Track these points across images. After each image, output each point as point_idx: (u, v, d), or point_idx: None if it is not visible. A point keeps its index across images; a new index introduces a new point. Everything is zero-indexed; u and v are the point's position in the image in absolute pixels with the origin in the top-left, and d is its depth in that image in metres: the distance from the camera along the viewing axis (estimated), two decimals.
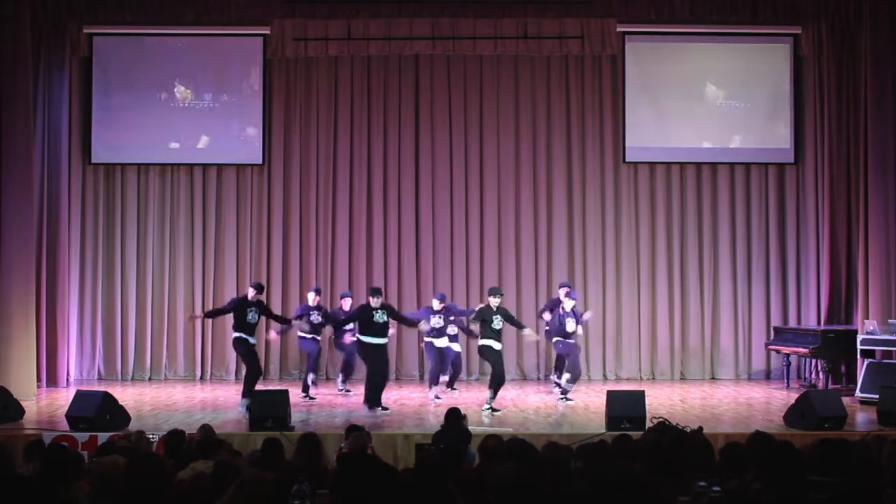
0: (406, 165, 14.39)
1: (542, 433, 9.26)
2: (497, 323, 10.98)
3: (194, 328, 14.17)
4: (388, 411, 10.78)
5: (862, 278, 12.98)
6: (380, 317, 10.92)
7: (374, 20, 13.84)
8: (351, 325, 11.61)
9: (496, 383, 10.95)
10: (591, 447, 5.81)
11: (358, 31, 13.87)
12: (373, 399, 10.78)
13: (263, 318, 11.46)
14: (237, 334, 11.06)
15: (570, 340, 11.72)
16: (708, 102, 14.35)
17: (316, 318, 12.12)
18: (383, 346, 11.07)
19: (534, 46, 14.05)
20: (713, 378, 14.23)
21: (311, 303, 12.24)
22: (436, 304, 12.03)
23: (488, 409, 10.76)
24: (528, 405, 11.51)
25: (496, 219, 14.46)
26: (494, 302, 11.05)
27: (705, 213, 14.48)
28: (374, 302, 10.97)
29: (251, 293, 11.16)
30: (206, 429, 7.33)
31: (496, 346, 11.02)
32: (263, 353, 14.17)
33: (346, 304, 12.21)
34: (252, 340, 11.08)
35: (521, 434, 8.46)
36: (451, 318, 12.13)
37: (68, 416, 9.54)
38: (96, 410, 9.39)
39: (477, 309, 11.53)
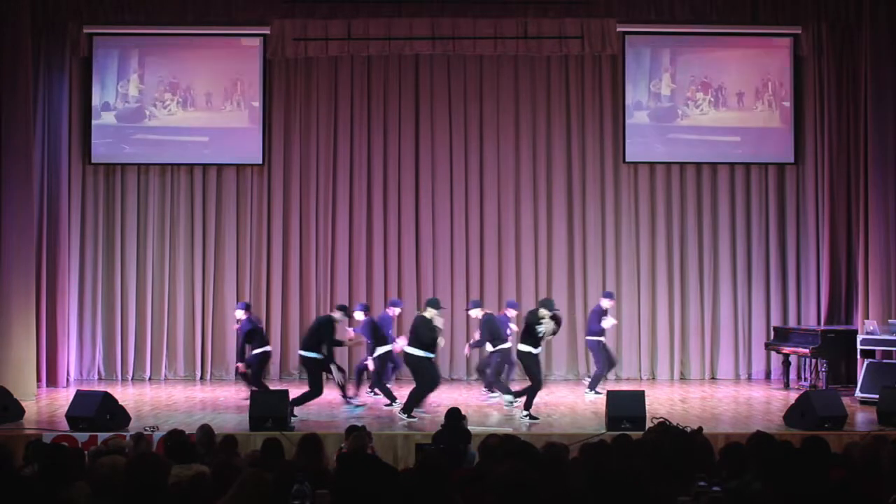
0: (406, 165, 14.39)
1: (542, 433, 9.26)
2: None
3: (194, 328, 14.17)
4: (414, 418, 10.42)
5: (862, 278, 12.98)
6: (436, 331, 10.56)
7: (374, 20, 13.84)
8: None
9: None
10: (592, 447, 5.81)
11: (358, 31, 13.87)
12: (409, 408, 10.33)
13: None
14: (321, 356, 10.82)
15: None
16: (708, 102, 14.34)
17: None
18: (433, 359, 10.65)
19: (534, 46, 14.04)
20: (713, 378, 14.23)
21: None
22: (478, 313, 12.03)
23: (526, 414, 10.37)
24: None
25: (496, 218, 14.46)
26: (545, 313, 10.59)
27: (705, 213, 14.48)
28: (431, 314, 10.56)
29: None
30: (205, 429, 7.32)
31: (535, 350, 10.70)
32: None
33: (394, 312, 12.01)
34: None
35: (521, 434, 8.46)
36: None
37: (68, 416, 9.54)
38: (96, 410, 9.39)
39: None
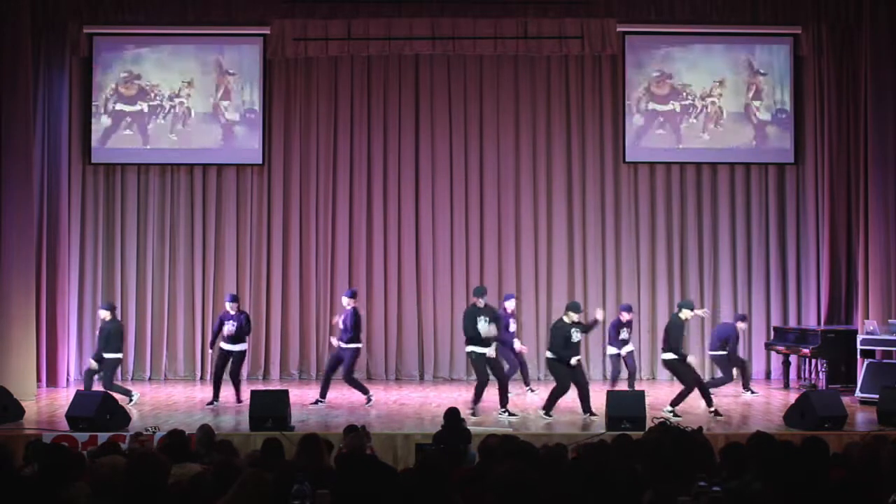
0: (406, 165, 14.40)
1: (542, 433, 9.27)
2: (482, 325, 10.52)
3: (194, 328, 14.17)
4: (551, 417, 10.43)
5: (862, 278, 12.98)
6: (576, 336, 10.50)
7: (374, 20, 13.84)
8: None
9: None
10: (591, 447, 5.81)
11: (358, 31, 13.87)
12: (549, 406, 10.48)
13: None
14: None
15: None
16: (707, 102, 14.34)
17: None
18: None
19: (534, 46, 14.05)
20: (713, 378, 14.19)
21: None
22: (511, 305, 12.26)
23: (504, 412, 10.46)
24: (528, 405, 11.49)
25: (496, 218, 14.46)
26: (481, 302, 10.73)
27: (705, 213, 14.48)
28: (569, 318, 10.57)
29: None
30: (205, 429, 7.31)
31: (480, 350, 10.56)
32: (263, 352, 14.17)
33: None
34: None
35: (521, 434, 8.46)
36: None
37: (68, 416, 9.55)
38: (96, 410, 9.39)
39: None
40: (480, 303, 10.66)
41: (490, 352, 10.48)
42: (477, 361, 10.56)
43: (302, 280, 14.28)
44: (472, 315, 10.58)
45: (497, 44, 14.00)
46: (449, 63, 14.44)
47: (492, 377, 10.60)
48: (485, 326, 10.44)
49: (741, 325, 12.59)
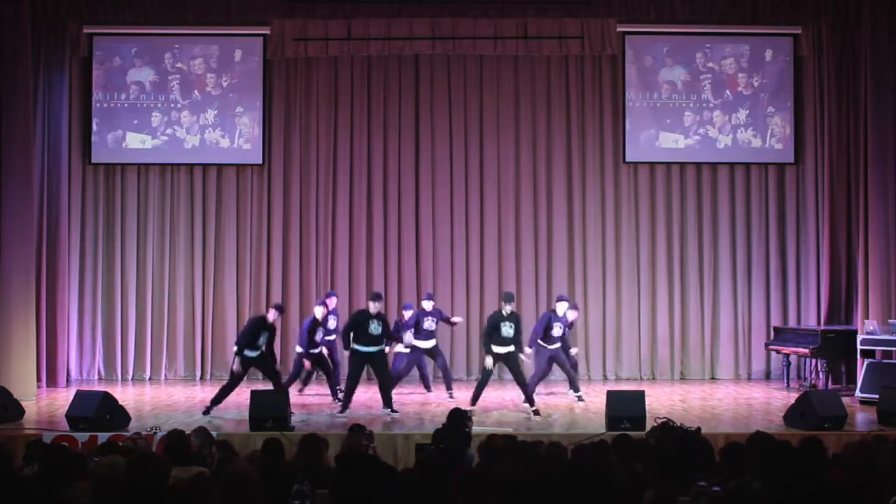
0: (406, 165, 14.40)
1: (542, 433, 9.27)
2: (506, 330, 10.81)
3: (194, 328, 14.17)
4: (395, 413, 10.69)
5: (862, 278, 12.97)
6: (374, 328, 10.63)
7: (374, 20, 13.84)
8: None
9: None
10: (591, 447, 5.81)
11: (358, 31, 13.87)
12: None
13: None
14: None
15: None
16: (707, 102, 14.35)
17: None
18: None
19: (534, 46, 14.05)
20: (713, 378, 14.23)
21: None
22: (428, 305, 12.19)
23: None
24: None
25: (496, 219, 14.46)
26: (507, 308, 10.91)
27: (705, 213, 14.48)
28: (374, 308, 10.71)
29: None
30: (202, 430, 7.29)
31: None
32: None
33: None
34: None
35: (521, 434, 8.46)
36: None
37: (68, 416, 9.55)
38: (96, 410, 9.39)
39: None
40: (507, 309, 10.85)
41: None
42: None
43: (302, 280, 14.27)
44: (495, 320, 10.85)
45: (497, 44, 13.99)
46: (449, 63, 14.44)
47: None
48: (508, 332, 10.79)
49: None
